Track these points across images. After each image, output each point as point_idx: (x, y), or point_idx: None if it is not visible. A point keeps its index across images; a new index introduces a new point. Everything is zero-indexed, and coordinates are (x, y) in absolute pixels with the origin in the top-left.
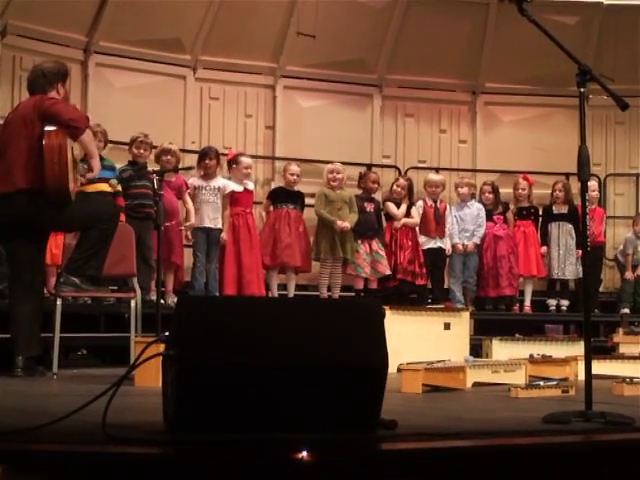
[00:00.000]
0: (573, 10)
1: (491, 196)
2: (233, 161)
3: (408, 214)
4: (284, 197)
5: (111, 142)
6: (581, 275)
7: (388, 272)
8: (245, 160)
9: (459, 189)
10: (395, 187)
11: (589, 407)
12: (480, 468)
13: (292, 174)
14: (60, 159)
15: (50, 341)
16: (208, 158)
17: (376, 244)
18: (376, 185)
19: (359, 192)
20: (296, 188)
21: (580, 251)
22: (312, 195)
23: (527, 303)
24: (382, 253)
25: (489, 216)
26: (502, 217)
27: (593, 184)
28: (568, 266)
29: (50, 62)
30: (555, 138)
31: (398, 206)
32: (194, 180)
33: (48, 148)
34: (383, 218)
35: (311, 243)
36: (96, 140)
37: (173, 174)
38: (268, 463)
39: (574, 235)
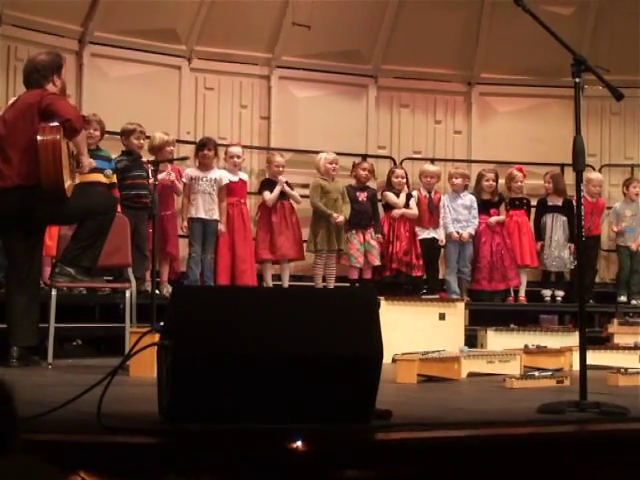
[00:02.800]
0: (568, 0)
1: (494, 183)
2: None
3: (407, 205)
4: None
5: (106, 132)
6: (571, 267)
7: (377, 262)
8: (231, 149)
9: (453, 179)
10: (394, 178)
11: (584, 397)
12: (474, 458)
13: (277, 166)
14: (54, 156)
15: (45, 331)
16: (206, 148)
17: (369, 234)
18: (366, 172)
19: (352, 182)
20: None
21: (572, 245)
22: (305, 185)
23: (522, 293)
24: (373, 243)
25: (487, 209)
26: (497, 211)
27: (598, 179)
28: (559, 259)
29: (44, 54)
30: (550, 129)
31: (397, 196)
32: (190, 171)
33: (42, 145)
34: (381, 208)
35: (301, 232)
36: (91, 129)
37: (168, 164)
38: (263, 453)
39: (567, 228)
